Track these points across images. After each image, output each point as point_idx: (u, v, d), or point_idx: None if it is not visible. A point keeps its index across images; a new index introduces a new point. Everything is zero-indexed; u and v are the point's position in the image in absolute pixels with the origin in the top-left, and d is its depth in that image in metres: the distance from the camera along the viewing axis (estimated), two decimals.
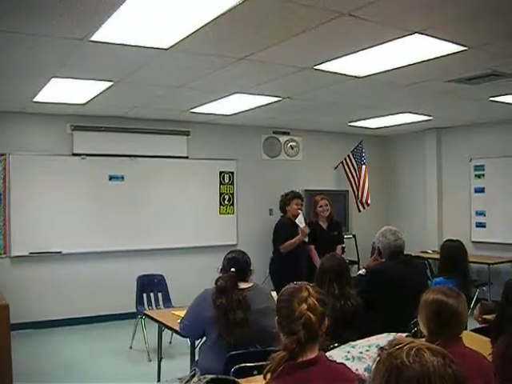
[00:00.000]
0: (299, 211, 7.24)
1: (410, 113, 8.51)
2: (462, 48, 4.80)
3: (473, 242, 9.52)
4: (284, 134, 10.38)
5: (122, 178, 8.71)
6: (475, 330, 4.03)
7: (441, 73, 5.82)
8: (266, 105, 7.60)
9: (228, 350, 3.62)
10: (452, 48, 4.80)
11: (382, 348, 1.57)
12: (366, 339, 3.24)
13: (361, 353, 3.01)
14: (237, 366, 3.40)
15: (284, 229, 7.28)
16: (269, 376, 2.29)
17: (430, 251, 9.56)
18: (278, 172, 10.08)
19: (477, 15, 4.00)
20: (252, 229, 9.62)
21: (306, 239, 7.15)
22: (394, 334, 3.21)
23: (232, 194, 9.72)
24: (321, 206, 7.39)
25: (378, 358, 1.54)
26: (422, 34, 4.40)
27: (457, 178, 10.12)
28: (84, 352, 6.91)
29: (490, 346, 3.11)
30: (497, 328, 3.17)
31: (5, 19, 4.04)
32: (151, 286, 7.17)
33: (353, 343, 3.19)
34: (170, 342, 6.72)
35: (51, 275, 8.11)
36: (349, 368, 2.51)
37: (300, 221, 7.15)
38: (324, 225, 7.47)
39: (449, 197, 10.34)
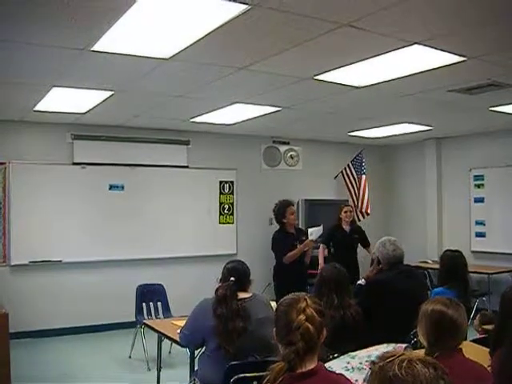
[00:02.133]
0: (318, 228, 7.26)
1: (410, 123, 8.53)
2: (461, 58, 4.82)
3: (473, 251, 9.50)
4: (284, 143, 10.39)
5: (122, 187, 8.72)
6: (475, 341, 4.02)
7: (440, 83, 5.83)
8: (266, 114, 7.61)
9: (227, 359, 3.61)
10: (452, 58, 4.82)
11: (373, 362, 1.58)
12: (366, 350, 3.23)
13: (360, 363, 3.01)
14: (236, 377, 3.39)
15: (281, 242, 7.25)
16: None
17: (429, 261, 9.56)
18: (278, 181, 10.07)
19: (476, 26, 4.02)
20: (252, 238, 9.61)
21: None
22: (393, 344, 3.20)
23: (232, 204, 9.72)
24: (345, 212, 8.14)
25: (369, 372, 1.55)
26: (421, 44, 4.42)
27: (457, 188, 10.13)
28: (83, 361, 6.89)
29: (489, 356, 3.10)
30: (495, 339, 3.16)
31: (6, 28, 4.06)
32: (151, 296, 7.15)
33: (352, 354, 3.18)
34: (170, 352, 6.70)
35: (51, 284, 8.10)
36: (348, 379, 2.50)
37: (313, 233, 7.14)
38: (347, 229, 8.15)
39: (449, 206, 10.35)
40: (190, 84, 5.94)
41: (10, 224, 7.88)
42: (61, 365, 6.70)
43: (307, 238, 7.17)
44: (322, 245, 8.12)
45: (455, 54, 4.70)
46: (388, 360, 1.50)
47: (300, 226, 8.11)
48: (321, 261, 7.92)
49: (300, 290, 2.62)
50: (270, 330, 2.56)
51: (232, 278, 3.94)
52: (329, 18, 3.84)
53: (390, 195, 11.46)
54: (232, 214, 9.71)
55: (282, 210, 7.33)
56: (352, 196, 10.33)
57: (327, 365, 2.63)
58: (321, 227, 7.24)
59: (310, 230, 7.20)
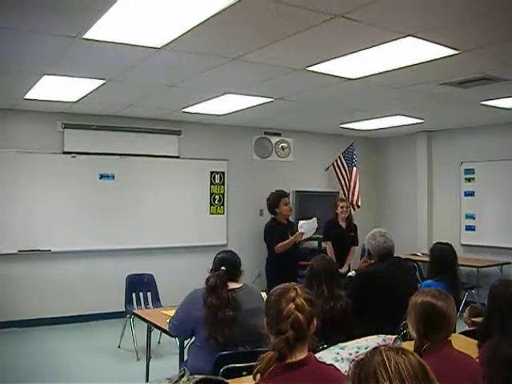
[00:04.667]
0: (310, 220, 7.21)
1: (402, 115, 8.54)
2: (454, 52, 4.82)
3: (462, 245, 9.55)
4: (275, 134, 10.38)
5: (113, 176, 8.69)
6: (464, 333, 4.05)
7: (433, 76, 5.84)
8: (258, 105, 7.60)
9: (217, 350, 3.62)
10: (444, 51, 4.82)
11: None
12: (356, 341, 3.24)
13: (350, 354, 3.02)
14: (226, 367, 3.39)
15: (273, 232, 7.26)
16: (258, 377, 2.29)
17: (419, 254, 9.59)
18: (269, 173, 10.07)
19: (470, 19, 4.02)
20: (242, 229, 9.62)
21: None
22: (383, 335, 3.21)
23: (222, 195, 9.71)
24: (342, 207, 7.74)
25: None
26: (415, 36, 4.41)
27: (447, 181, 10.17)
28: (72, 351, 6.87)
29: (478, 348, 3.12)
30: (483, 332, 3.18)
31: None
32: (140, 286, 7.15)
33: (342, 345, 3.19)
34: (159, 342, 6.69)
35: (40, 273, 8.07)
36: (338, 369, 2.51)
37: (303, 226, 7.11)
38: (343, 225, 7.81)
39: (439, 200, 10.38)
40: (182, 74, 5.91)
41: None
42: (49, 355, 6.68)
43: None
44: (328, 242, 7.73)
45: (448, 47, 4.70)
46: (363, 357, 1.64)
47: (290, 219, 8.05)
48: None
49: (291, 280, 2.62)
50: (260, 321, 2.57)
51: (223, 268, 3.95)
52: (322, 8, 3.83)
53: (381, 188, 11.49)
54: (223, 204, 9.70)
55: (276, 200, 7.35)
56: (343, 188, 10.35)
57: (317, 355, 2.64)
58: (313, 220, 7.18)
59: (300, 222, 7.17)
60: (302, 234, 7.09)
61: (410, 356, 1.58)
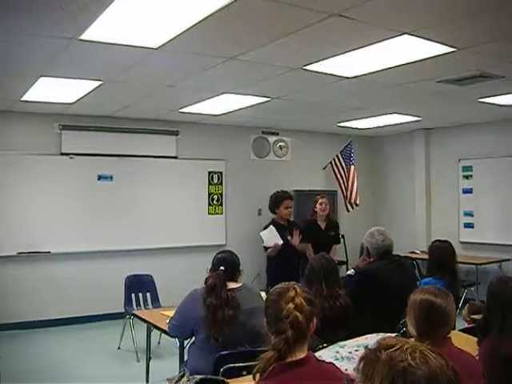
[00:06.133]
0: (266, 230, 7.20)
1: (399, 113, 8.54)
2: (451, 49, 4.82)
3: (461, 242, 9.55)
4: (273, 134, 10.38)
5: (111, 177, 8.68)
6: (464, 330, 4.05)
7: (430, 74, 5.84)
8: (256, 105, 7.59)
9: (217, 349, 3.62)
10: (441, 49, 4.82)
11: (368, 349, 1.54)
12: (355, 339, 3.25)
13: (350, 353, 3.02)
14: (226, 367, 3.39)
15: None
16: (258, 376, 2.29)
17: (418, 252, 9.59)
18: (267, 172, 10.07)
19: (466, 17, 4.02)
20: (241, 229, 9.61)
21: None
22: (382, 334, 3.22)
23: (221, 194, 9.71)
24: (320, 204, 7.56)
25: (363, 359, 1.51)
26: (411, 34, 4.41)
27: (445, 179, 10.17)
28: (72, 352, 6.87)
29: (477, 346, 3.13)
30: (483, 329, 3.19)
31: None
32: (140, 286, 7.14)
33: (342, 343, 3.20)
34: (159, 343, 6.69)
35: (40, 275, 8.06)
36: (338, 368, 2.51)
37: (265, 238, 7.14)
38: (322, 224, 7.65)
39: (437, 197, 10.39)
40: (179, 74, 5.91)
41: None
42: (49, 356, 6.68)
43: (299, 230, 7.22)
44: (308, 245, 7.53)
45: (445, 44, 4.69)
46: (395, 349, 1.47)
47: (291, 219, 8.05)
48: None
49: (292, 280, 2.62)
50: (259, 320, 2.57)
51: (222, 268, 3.95)
52: (319, 7, 3.83)
53: (379, 186, 11.49)
54: (221, 204, 9.70)
55: (277, 201, 7.37)
56: (341, 187, 10.35)
57: (317, 354, 2.64)
58: (269, 228, 7.20)
59: (261, 234, 7.19)
60: (276, 244, 7.10)
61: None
